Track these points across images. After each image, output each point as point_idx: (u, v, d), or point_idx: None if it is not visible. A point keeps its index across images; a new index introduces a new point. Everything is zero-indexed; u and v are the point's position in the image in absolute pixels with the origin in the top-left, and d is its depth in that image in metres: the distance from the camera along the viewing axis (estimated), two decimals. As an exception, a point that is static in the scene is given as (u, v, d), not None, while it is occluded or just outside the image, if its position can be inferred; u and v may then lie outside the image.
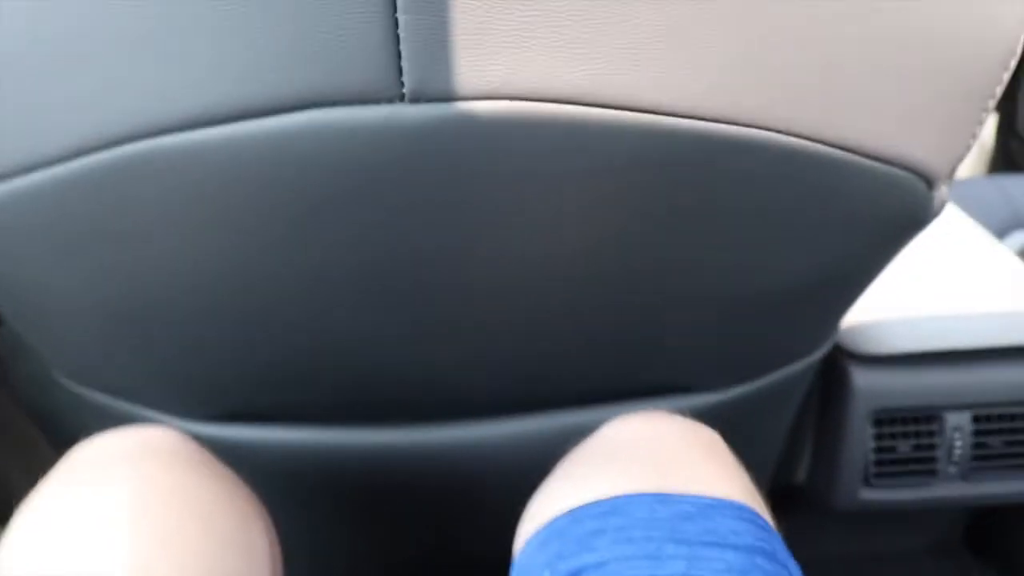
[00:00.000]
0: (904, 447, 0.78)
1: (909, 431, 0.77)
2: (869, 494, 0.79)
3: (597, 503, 0.38)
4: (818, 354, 0.63)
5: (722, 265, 0.44)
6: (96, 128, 0.34)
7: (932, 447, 0.77)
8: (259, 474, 0.55)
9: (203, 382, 0.51)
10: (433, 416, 0.55)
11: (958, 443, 0.76)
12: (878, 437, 0.77)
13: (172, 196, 0.36)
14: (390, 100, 0.32)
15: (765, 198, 0.39)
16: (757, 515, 0.39)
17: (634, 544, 0.36)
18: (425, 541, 0.68)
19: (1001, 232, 1.09)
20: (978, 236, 0.86)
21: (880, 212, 0.42)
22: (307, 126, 0.33)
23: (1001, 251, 0.83)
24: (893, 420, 0.77)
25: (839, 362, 0.75)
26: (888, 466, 0.78)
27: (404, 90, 0.31)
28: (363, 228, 0.38)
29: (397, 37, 0.30)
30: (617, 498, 0.38)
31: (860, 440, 0.77)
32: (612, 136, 0.34)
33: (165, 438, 0.43)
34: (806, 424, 0.80)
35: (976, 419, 0.75)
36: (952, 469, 0.77)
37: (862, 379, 0.75)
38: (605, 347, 0.50)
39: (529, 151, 0.34)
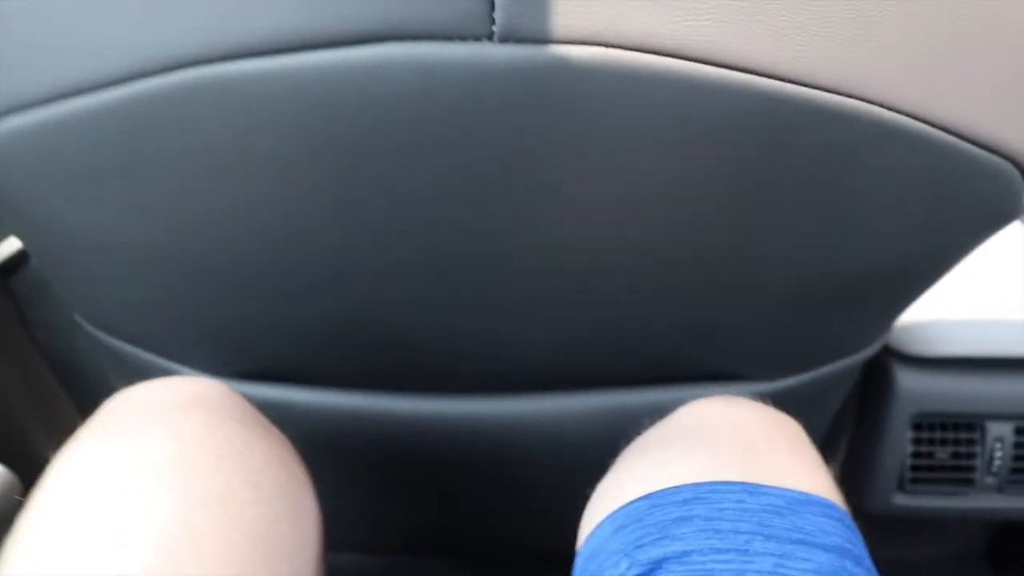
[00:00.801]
0: (942, 454, 0.76)
1: (949, 438, 0.75)
2: (903, 500, 0.77)
3: (679, 488, 0.36)
4: (871, 350, 0.61)
5: (801, 247, 0.42)
6: (152, 51, 0.32)
7: (971, 456, 0.75)
8: (289, 438, 0.53)
9: (235, 336, 0.49)
10: (479, 388, 0.53)
11: (998, 454, 0.74)
12: (916, 442, 0.75)
13: (225, 129, 0.33)
14: (477, 38, 0.29)
15: (860, 176, 0.37)
16: (845, 514, 0.37)
17: (721, 536, 0.34)
18: (462, 519, 0.66)
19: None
20: None
21: (972, 201, 0.41)
22: (382, 61, 0.30)
23: None
24: (933, 425, 0.75)
25: (883, 361, 0.73)
26: (924, 472, 0.76)
27: (494, 27, 0.29)
28: (427, 181, 0.35)
29: None
30: (702, 484, 0.36)
31: (898, 443, 0.76)
32: (715, 97, 0.32)
33: (211, 390, 0.40)
34: (843, 423, 0.79)
35: (1019, 431, 0.74)
36: (990, 480, 0.76)
37: (905, 380, 0.73)
38: (662, 329, 0.48)
39: (623, 108, 0.32)
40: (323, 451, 0.57)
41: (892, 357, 0.73)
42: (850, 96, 0.33)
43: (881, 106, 0.34)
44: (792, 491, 0.36)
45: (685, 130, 0.33)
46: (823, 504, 0.36)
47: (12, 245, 0.66)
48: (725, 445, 0.38)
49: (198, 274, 0.43)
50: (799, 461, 0.38)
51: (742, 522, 0.34)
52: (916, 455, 0.75)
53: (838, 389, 0.66)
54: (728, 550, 0.33)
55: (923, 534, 0.97)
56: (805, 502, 0.36)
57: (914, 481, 0.76)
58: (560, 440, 0.56)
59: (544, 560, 0.69)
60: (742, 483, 0.36)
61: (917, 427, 0.74)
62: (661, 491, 0.36)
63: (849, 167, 0.37)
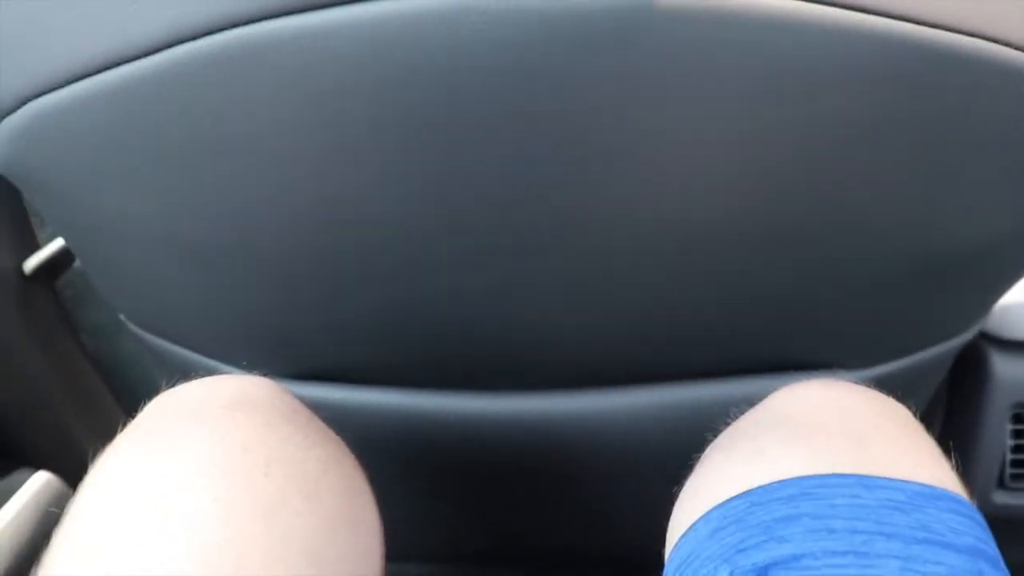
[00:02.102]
0: (1048, 448, 0.70)
1: (1053, 430, 0.69)
2: (1003, 498, 0.72)
3: (783, 483, 0.31)
4: (969, 334, 0.57)
5: (911, 216, 0.37)
6: (186, 14, 0.28)
7: (1079, 449, 0.69)
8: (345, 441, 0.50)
9: (286, 333, 0.46)
10: (544, 384, 0.50)
11: (1107, 446, 0.68)
12: (1017, 434, 0.70)
13: (271, 99, 0.30)
14: None
15: (975, 131, 0.33)
16: (975, 510, 0.32)
17: (836, 536, 0.29)
18: (525, 525, 0.62)
19: None
20: None
21: None
22: (453, 7, 0.27)
23: None
24: (1035, 416, 0.69)
25: (979, 347, 0.68)
26: (1027, 467, 0.70)
27: None
28: (494, 150, 0.32)
29: None
30: (809, 478, 0.31)
31: (997, 436, 0.71)
32: (815, 40, 0.28)
33: (261, 389, 0.37)
34: (935, 416, 0.73)
35: None
36: (1099, 476, 0.70)
37: (1004, 367, 0.68)
38: (748, 313, 0.44)
39: (715, 56, 0.28)
40: (381, 455, 0.54)
41: (988, 343, 0.68)
42: (970, 35, 0.29)
43: (1007, 45, 0.30)
44: (914, 483, 0.31)
45: (780, 77, 0.29)
46: (950, 498, 0.31)
47: (56, 246, 0.64)
48: (832, 433, 0.34)
49: (246, 266, 0.40)
50: (917, 450, 0.33)
51: (859, 520, 0.30)
52: (1017, 449, 0.70)
53: (931, 378, 0.62)
54: (844, 552, 0.29)
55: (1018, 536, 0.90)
56: (930, 496, 0.31)
57: (1016, 477, 0.70)
58: (633, 438, 0.52)
59: (617, 568, 0.65)
60: (856, 475, 0.31)
61: (1017, 418, 0.69)
62: (762, 487, 0.32)
63: (960, 122, 0.33)
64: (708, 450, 0.38)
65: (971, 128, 0.32)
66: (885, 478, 0.31)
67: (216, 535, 0.29)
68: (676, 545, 0.34)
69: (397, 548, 0.43)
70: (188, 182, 0.34)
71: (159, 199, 0.36)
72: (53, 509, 0.52)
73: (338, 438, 0.38)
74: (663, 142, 0.31)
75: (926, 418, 0.71)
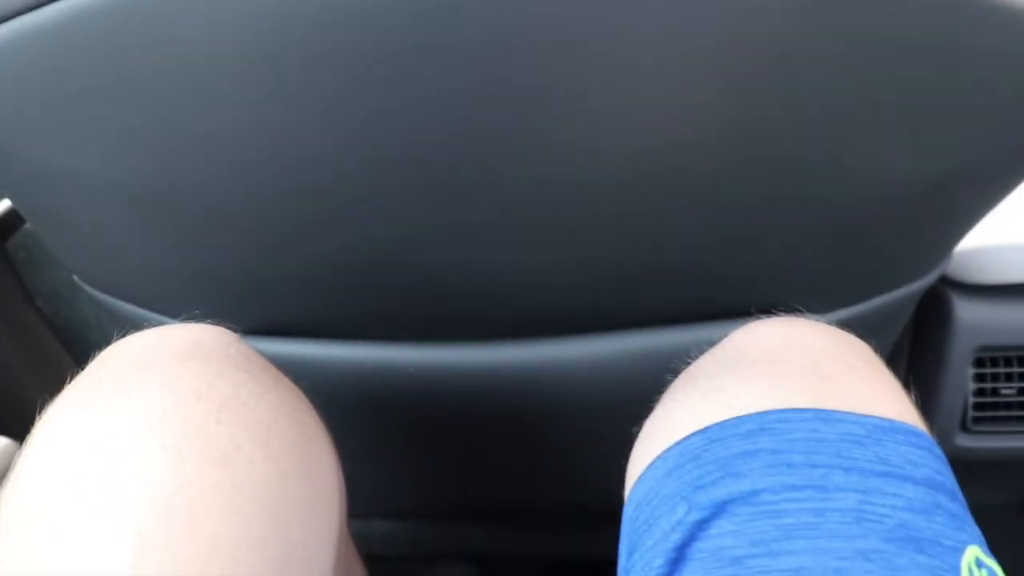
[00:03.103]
0: (1008, 391, 0.71)
1: (1015, 373, 0.70)
2: (965, 440, 0.73)
3: (741, 419, 0.31)
4: (931, 277, 0.57)
5: (875, 150, 0.37)
6: None
7: (1041, 392, 0.69)
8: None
9: (234, 285, 0.45)
10: (502, 332, 0.49)
11: (1070, 389, 0.69)
12: (979, 378, 0.70)
13: (202, 37, 0.29)
14: None
15: (924, 63, 0.32)
16: (933, 443, 0.32)
17: (794, 471, 0.29)
18: (494, 478, 0.62)
19: None
20: None
21: None
22: None
23: None
24: (997, 360, 0.70)
25: (939, 291, 0.68)
26: (989, 410, 0.71)
27: None
28: (440, 82, 0.31)
29: None
30: (767, 413, 0.31)
31: (959, 380, 0.71)
32: None
33: (213, 338, 0.36)
34: (898, 360, 0.74)
35: (1094, 364, 0.68)
36: (1061, 418, 0.70)
37: (965, 311, 0.68)
38: (708, 257, 0.43)
39: None
40: (343, 411, 0.53)
41: (950, 287, 0.68)
42: None
43: None
44: (872, 417, 0.31)
45: (747, 11, 0.29)
46: (908, 431, 0.31)
47: (4, 206, 0.62)
48: (790, 368, 0.33)
49: (190, 214, 0.38)
50: (876, 384, 0.33)
51: (817, 454, 0.30)
52: (979, 392, 0.70)
53: (893, 323, 0.62)
54: (803, 486, 0.29)
55: (985, 480, 0.92)
56: (888, 429, 0.31)
57: (977, 420, 0.71)
58: (598, 385, 0.51)
59: (586, 518, 0.65)
60: (814, 410, 0.31)
61: (979, 362, 0.69)
62: (719, 423, 0.32)
63: (927, 52, 0.32)
64: (667, 390, 0.38)
65: (920, 60, 0.32)
66: (844, 412, 0.31)
67: (167, 484, 0.29)
68: (634, 485, 0.34)
69: (361, 505, 0.43)
70: (120, 128, 0.33)
71: (93, 147, 0.35)
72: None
73: (293, 386, 0.38)
74: (618, 75, 0.31)
75: (890, 362, 0.72)
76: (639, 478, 0.34)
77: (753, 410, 0.31)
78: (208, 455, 0.30)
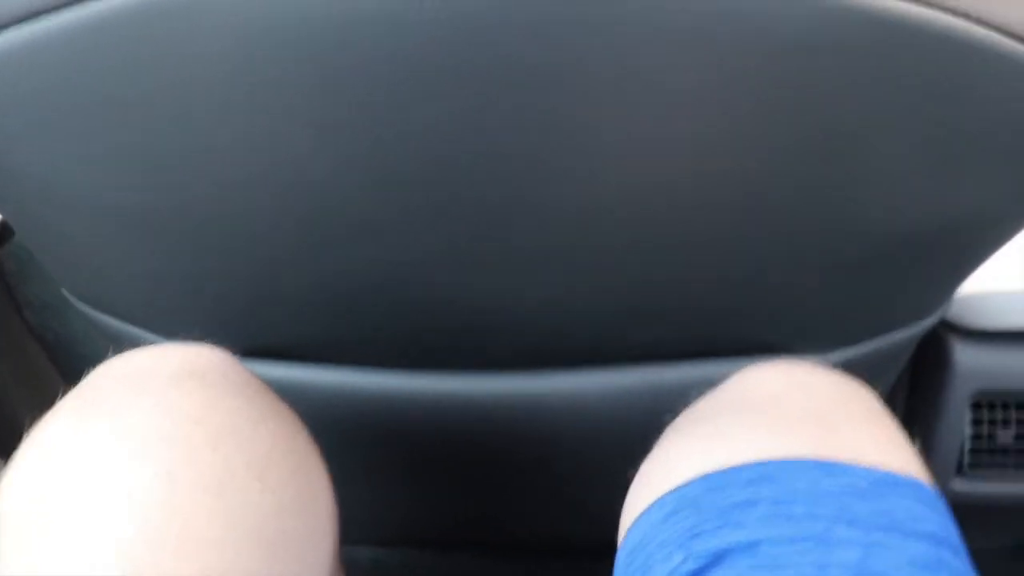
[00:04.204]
0: (1005, 436, 0.70)
1: (1012, 418, 0.70)
2: (961, 485, 0.72)
3: (742, 467, 0.30)
4: (931, 320, 0.57)
5: (879, 196, 0.36)
6: None
7: (1037, 438, 0.69)
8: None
9: (229, 307, 0.44)
10: (503, 364, 0.48)
11: (1066, 436, 0.69)
12: (976, 422, 0.70)
13: (202, 56, 0.29)
14: None
15: (941, 112, 0.32)
16: (937, 497, 0.31)
17: (795, 522, 0.28)
18: (489, 509, 0.61)
19: None
20: None
21: None
22: None
23: None
24: (994, 405, 0.69)
25: (940, 335, 0.68)
26: (985, 455, 0.70)
27: None
28: (442, 109, 0.30)
29: None
30: (768, 463, 0.30)
31: (956, 424, 0.71)
32: (807, 9, 0.27)
33: (211, 360, 0.35)
34: (895, 402, 0.73)
35: (1090, 410, 0.68)
36: (1057, 464, 0.70)
37: (964, 355, 0.68)
38: (705, 296, 0.43)
39: (685, 18, 0.27)
40: (337, 436, 0.52)
41: (950, 331, 0.68)
42: (971, 20, 0.28)
43: (1001, 33, 0.29)
44: (876, 470, 0.30)
45: (771, 46, 0.28)
46: (912, 485, 0.31)
47: (-4, 216, 0.62)
48: (793, 416, 0.33)
49: (185, 233, 0.38)
50: (880, 435, 0.33)
51: (819, 506, 0.29)
52: (976, 437, 0.70)
53: (892, 365, 0.62)
54: (804, 539, 0.28)
55: (980, 523, 0.91)
56: (892, 483, 0.30)
57: (974, 465, 0.70)
58: (594, 420, 0.51)
59: (577, 552, 0.64)
60: (816, 460, 0.30)
61: (977, 406, 0.69)
62: (720, 471, 0.31)
63: (945, 103, 0.32)
64: (665, 432, 0.37)
65: (937, 109, 0.32)
66: (847, 464, 0.30)
67: (159, 512, 0.28)
68: (629, 529, 0.33)
69: (348, 531, 0.42)
70: (115, 144, 0.33)
71: (86, 163, 0.34)
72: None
73: (292, 413, 0.37)
74: (626, 103, 0.30)
75: (887, 405, 0.71)
76: (635, 522, 0.33)
77: (754, 458, 0.31)
78: (203, 483, 0.29)
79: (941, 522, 0.30)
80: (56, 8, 0.28)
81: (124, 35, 0.28)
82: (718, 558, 0.29)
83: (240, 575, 0.28)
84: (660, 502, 0.32)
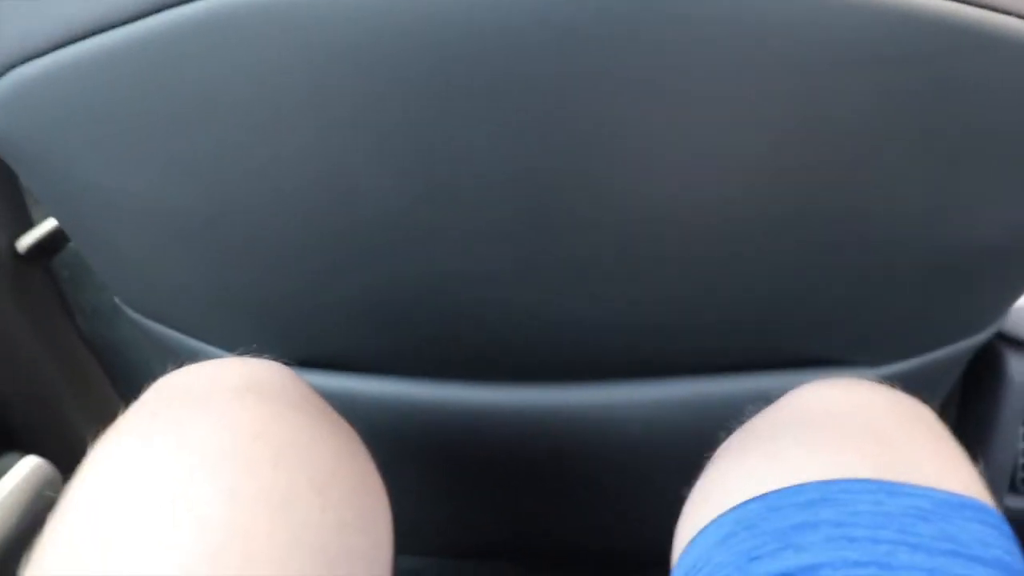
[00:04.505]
0: (1061, 452, 0.68)
1: (1068, 433, 0.67)
2: (1015, 502, 0.70)
3: (801, 487, 0.30)
4: (987, 333, 0.55)
5: (914, 206, 0.36)
6: None
7: (1094, 453, 0.67)
8: None
9: (284, 317, 0.44)
10: (552, 376, 0.48)
11: (1123, 451, 0.67)
12: (1032, 438, 0.68)
13: (261, 68, 0.29)
14: None
15: (990, 115, 0.32)
16: (1002, 520, 0.30)
17: (857, 546, 0.28)
18: (533, 522, 0.60)
19: None
20: None
21: None
22: None
23: None
24: (1050, 419, 0.67)
25: (994, 348, 0.67)
26: (1041, 472, 0.68)
27: None
28: (497, 122, 0.30)
29: None
30: (829, 483, 0.29)
31: (1010, 439, 0.69)
32: (831, 15, 0.27)
33: (272, 374, 0.35)
34: (947, 417, 0.72)
35: None
36: (1114, 481, 0.68)
37: (1019, 368, 0.66)
38: (760, 309, 0.42)
39: (743, 31, 0.27)
40: (382, 447, 0.52)
41: (1004, 343, 0.66)
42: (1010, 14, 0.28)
43: None
44: (939, 491, 0.30)
45: (824, 57, 0.28)
46: (977, 507, 0.30)
47: (51, 224, 0.63)
48: (853, 435, 0.32)
49: (239, 243, 0.38)
50: (942, 455, 0.32)
51: (881, 529, 0.28)
52: (1031, 453, 0.67)
53: (945, 378, 0.60)
54: (866, 563, 0.27)
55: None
56: (956, 505, 0.29)
57: (1029, 482, 0.68)
58: (640, 433, 0.50)
59: (617, 566, 0.64)
60: (878, 481, 0.30)
61: (1032, 421, 0.66)
62: (779, 491, 0.30)
63: (993, 104, 0.31)
64: (721, 449, 0.36)
65: (986, 112, 0.31)
66: (910, 484, 0.30)
67: (223, 529, 0.28)
68: (684, 550, 0.33)
69: (400, 541, 0.42)
70: (175, 153, 0.33)
71: (146, 171, 0.34)
72: (49, 493, 0.51)
73: (351, 430, 0.37)
74: (677, 117, 0.30)
75: (939, 418, 0.70)
76: (690, 542, 0.32)
77: (815, 478, 0.30)
78: (265, 500, 0.29)
79: (1007, 547, 0.29)
80: (123, 22, 0.29)
81: (187, 48, 0.29)
82: (777, 581, 0.28)
83: None
84: (717, 523, 0.31)
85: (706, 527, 0.32)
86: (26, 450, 0.56)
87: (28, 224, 0.64)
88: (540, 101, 0.29)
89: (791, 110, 0.30)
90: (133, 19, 0.29)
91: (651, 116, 0.30)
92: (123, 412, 0.34)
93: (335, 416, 0.36)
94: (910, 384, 0.54)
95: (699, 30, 0.27)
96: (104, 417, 0.34)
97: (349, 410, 0.44)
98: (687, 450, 0.41)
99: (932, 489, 0.30)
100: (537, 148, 0.31)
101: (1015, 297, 0.52)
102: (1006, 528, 0.30)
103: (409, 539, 0.64)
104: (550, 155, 0.31)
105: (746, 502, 0.31)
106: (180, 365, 0.37)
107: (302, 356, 0.48)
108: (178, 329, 0.50)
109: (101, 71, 0.30)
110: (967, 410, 0.71)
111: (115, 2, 0.28)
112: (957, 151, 0.33)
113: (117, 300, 0.52)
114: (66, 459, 0.49)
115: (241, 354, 0.46)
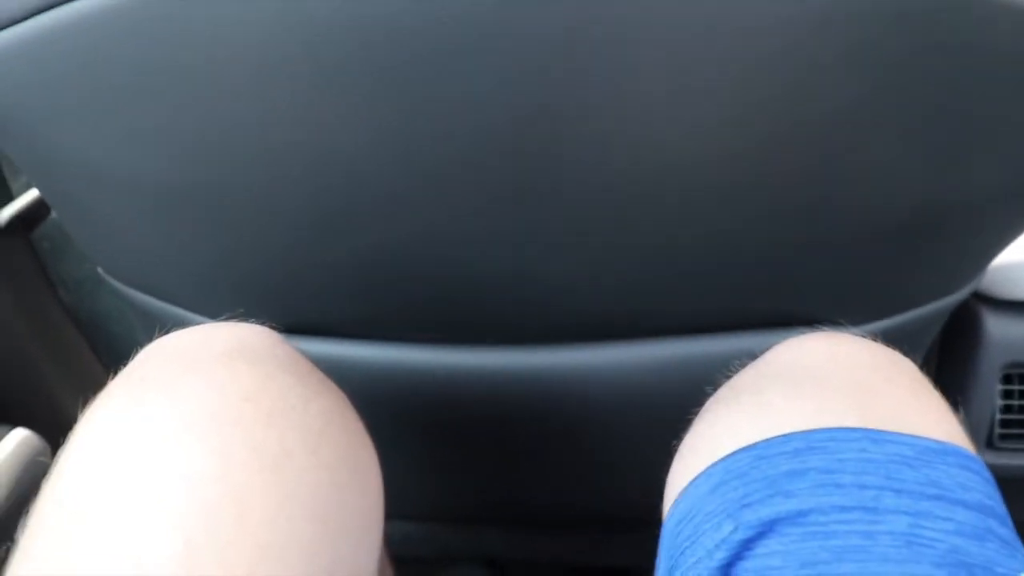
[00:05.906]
0: (1037, 409, 0.70)
1: (1045, 391, 0.69)
2: (991, 458, 0.72)
3: (788, 437, 0.30)
4: (966, 291, 0.56)
5: (921, 163, 0.36)
6: None
7: (1069, 410, 0.69)
8: None
9: (263, 284, 0.44)
10: (539, 339, 0.48)
11: (1099, 408, 0.68)
12: (1007, 395, 0.69)
13: (236, 31, 0.29)
14: None
15: (971, 74, 0.32)
16: (983, 466, 0.31)
17: (844, 491, 0.28)
18: (524, 484, 0.61)
19: None
20: None
21: None
22: None
23: None
24: (1025, 376, 0.68)
25: (971, 306, 0.68)
26: (1016, 427, 0.70)
27: None
28: (477, 80, 0.30)
29: None
30: (815, 432, 0.30)
31: (986, 396, 0.70)
32: None
33: (260, 338, 0.35)
34: (925, 374, 0.73)
35: (1123, 382, 0.67)
36: (1090, 437, 0.70)
37: (995, 327, 0.67)
38: (740, 268, 0.43)
39: None
40: (371, 412, 0.53)
41: (981, 302, 0.67)
42: None
43: None
44: (922, 438, 0.30)
45: (806, 16, 0.28)
46: (959, 453, 0.31)
47: (32, 196, 0.62)
48: (838, 386, 0.33)
49: (220, 209, 0.38)
50: (924, 404, 0.33)
51: (867, 475, 0.29)
52: (1006, 409, 0.69)
53: (923, 337, 0.61)
54: (853, 508, 0.28)
55: (1011, 497, 0.91)
56: (938, 451, 0.30)
57: (1004, 438, 0.70)
58: (629, 393, 0.51)
59: (608, 525, 0.64)
60: (863, 429, 0.30)
61: (1008, 379, 0.68)
62: (767, 440, 0.31)
63: (973, 63, 0.31)
64: (708, 403, 0.37)
65: (967, 71, 0.31)
66: (893, 432, 0.30)
67: (216, 491, 0.28)
68: (676, 500, 0.34)
69: (390, 506, 0.42)
70: (153, 119, 0.33)
71: (124, 138, 0.34)
72: (41, 458, 0.51)
73: (340, 392, 0.37)
74: (656, 78, 0.30)
75: (919, 375, 0.71)
76: (681, 493, 0.33)
77: (801, 428, 0.31)
78: (257, 460, 0.29)
79: (987, 491, 0.30)
80: None
81: (158, 12, 0.28)
82: (768, 527, 0.29)
83: (295, 550, 0.28)
84: (707, 473, 0.32)
85: (696, 477, 0.33)
86: (12, 423, 0.55)
87: (8, 196, 0.63)
88: (522, 60, 0.29)
89: (770, 70, 0.30)
90: None
91: (632, 77, 0.30)
92: (111, 380, 0.34)
93: (324, 379, 0.36)
94: (889, 342, 0.55)
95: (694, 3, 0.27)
96: (89, 389, 0.34)
97: (334, 375, 0.44)
98: (673, 409, 0.41)
99: (915, 436, 0.31)
100: (521, 107, 0.31)
101: (990, 258, 0.53)
102: (987, 473, 0.31)
103: (397, 503, 0.64)
104: (536, 114, 0.31)
105: (735, 452, 0.32)
106: (166, 334, 0.37)
107: (287, 323, 0.48)
108: (161, 298, 0.50)
109: (76, 37, 0.30)
110: (945, 368, 0.72)
111: None
112: (934, 112, 0.33)
113: (100, 270, 0.52)
114: (52, 431, 0.49)
115: (228, 320, 0.46)
